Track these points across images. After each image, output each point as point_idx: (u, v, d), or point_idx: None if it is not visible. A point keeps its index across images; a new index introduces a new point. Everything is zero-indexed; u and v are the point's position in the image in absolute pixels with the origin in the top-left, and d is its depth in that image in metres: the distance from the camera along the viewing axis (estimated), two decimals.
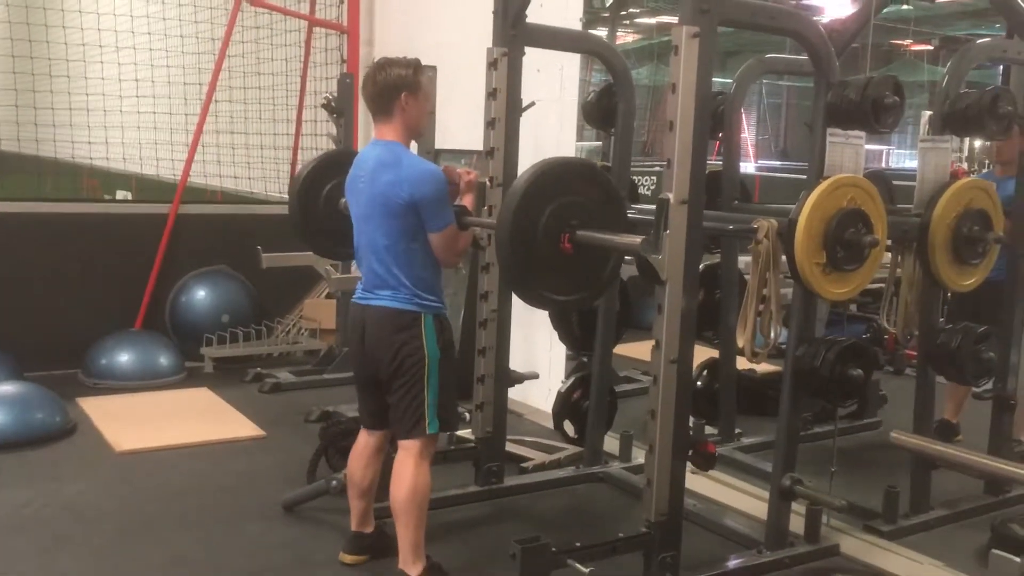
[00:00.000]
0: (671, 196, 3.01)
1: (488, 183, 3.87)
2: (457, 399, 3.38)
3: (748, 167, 23.96)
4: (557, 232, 3.04)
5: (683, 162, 3.01)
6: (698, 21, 2.96)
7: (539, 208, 3.02)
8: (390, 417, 3.25)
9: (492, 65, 3.85)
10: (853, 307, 7.31)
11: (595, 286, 3.32)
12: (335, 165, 4.36)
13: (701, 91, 3.00)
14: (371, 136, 7.17)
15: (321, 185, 4.30)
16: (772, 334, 3.39)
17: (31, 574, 3.32)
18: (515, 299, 4.02)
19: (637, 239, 2.99)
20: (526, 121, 4.04)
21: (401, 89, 3.16)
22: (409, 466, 3.15)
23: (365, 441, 3.38)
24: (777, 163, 24.61)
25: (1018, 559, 1.69)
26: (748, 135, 28.13)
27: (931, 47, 23.35)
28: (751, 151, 27.54)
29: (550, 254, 3.05)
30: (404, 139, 3.22)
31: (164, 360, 5.81)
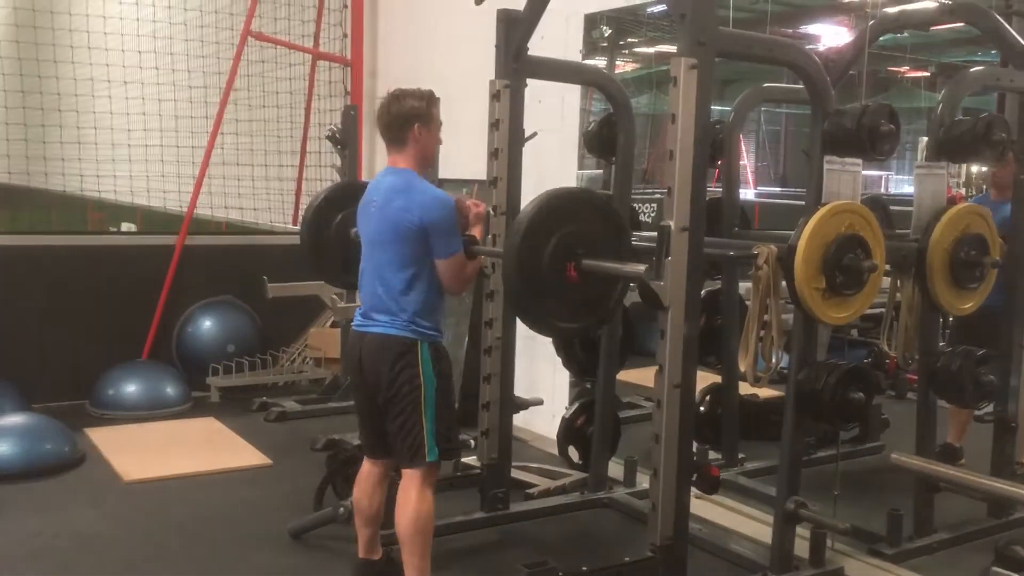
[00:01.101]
0: (672, 224, 3.07)
1: (492, 212, 3.93)
2: (458, 427, 3.41)
3: (748, 193, 24.02)
4: (563, 260, 3.12)
5: (683, 190, 3.07)
6: (696, 53, 3.03)
7: (545, 237, 3.10)
8: (391, 445, 3.28)
9: (495, 97, 3.93)
10: (854, 332, 7.34)
11: (600, 313, 3.38)
12: (345, 196, 4.48)
13: (700, 121, 3.06)
14: (375, 167, 7.28)
15: (332, 215, 4.40)
16: (773, 359, 3.44)
17: None
18: (519, 326, 4.08)
19: (641, 267, 3.05)
20: (528, 151, 4.11)
21: (415, 120, 3.24)
22: (412, 494, 3.18)
23: (369, 469, 3.41)
24: (776, 189, 24.72)
25: (1016, 575, 1.72)
26: (747, 162, 28.25)
27: (928, 74, 23.54)
28: (750, 178, 27.64)
29: (556, 282, 3.12)
30: (417, 168, 3.29)
31: (171, 390, 5.86)
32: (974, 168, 7.72)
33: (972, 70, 4.03)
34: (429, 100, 3.31)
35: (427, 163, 3.36)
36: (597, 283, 3.22)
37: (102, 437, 5.20)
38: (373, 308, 3.25)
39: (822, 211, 3.29)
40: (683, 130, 3.05)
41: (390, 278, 3.21)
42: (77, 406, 5.70)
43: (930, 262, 3.67)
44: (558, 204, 3.17)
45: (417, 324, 3.19)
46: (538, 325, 3.28)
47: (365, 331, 3.26)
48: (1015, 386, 4.13)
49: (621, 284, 3.32)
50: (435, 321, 3.27)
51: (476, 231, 3.42)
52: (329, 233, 4.44)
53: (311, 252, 4.50)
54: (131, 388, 5.75)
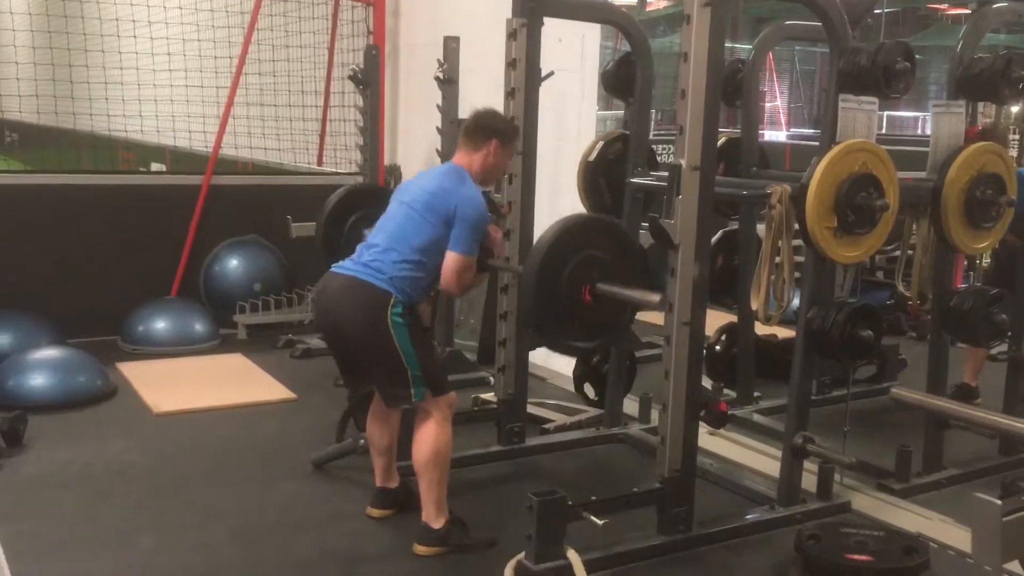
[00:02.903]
0: (683, 162, 3.10)
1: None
2: (439, 363, 3.49)
3: (780, 135, 23.72)
4: (579, 284, 3.27)
5: (695, 129, 3.09)
6: None
7: (562, 262, 3.25)
8: (377, 389, 3.40)
9: (511, 36, 3.93)
10: (880, 273, 7.33)
11: (612, 333, 3.55)
12: (360, 197, 4.66)
13: (713, 60, 3.07)
14: (398, 107, 7.25)
15: (346, 215, 4.57)
16: (785, 298, 3.48)
17: (75, 527, 3.50)
18: None
19: (655, 296, 3.18)
20: (548, 91, 4.11)
21: (498, 136, 3.42)
22: (430, 426, 3.27)
23: (379, 401, 3.50)
24: (809, 131, 24.39)
25: (999, 501, 1.78)
26: (781, 103, 27.84)
27: (968, 11, 22.98)
28: (783, 119, 27.24)
29: (571, 304, 3.28)
30: (475, 175, 3.39)
31: (199, 327, 5.98)
32: (1016, 108, 7.61)
33: (994, 6, 3.97)
34: (516, 131, 3.62)
35: (487, 180, 3.49)
36: (610, 305, 3.36)
37: (133, 371, 5.36)
38: (362, 259, 3.30)
39: (835, 150, 3.30)
40: (695, 69, 3.06)
41: (400, 244, 3.26)
42: (109, 342, 5.84)
43: (945, 201, 3.66)
44: (575, 230, 3.32)
45: (395, 284, 3.22)
46: (553, 345, 3.47)
47: (340, 271, 3.31)
48: None
49: (634, 306, 3.43)
50: (415, 296, 3.29)
51: (494, 251, 3.57)
52: (343, 231, 4.59)
53: (326, 249, 4.78)
54: (161, 325, 5.89)
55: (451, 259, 3.27)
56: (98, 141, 8.04)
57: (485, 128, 3.43)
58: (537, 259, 3.25)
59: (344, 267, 3.32)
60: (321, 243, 5.07)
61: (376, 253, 3.28)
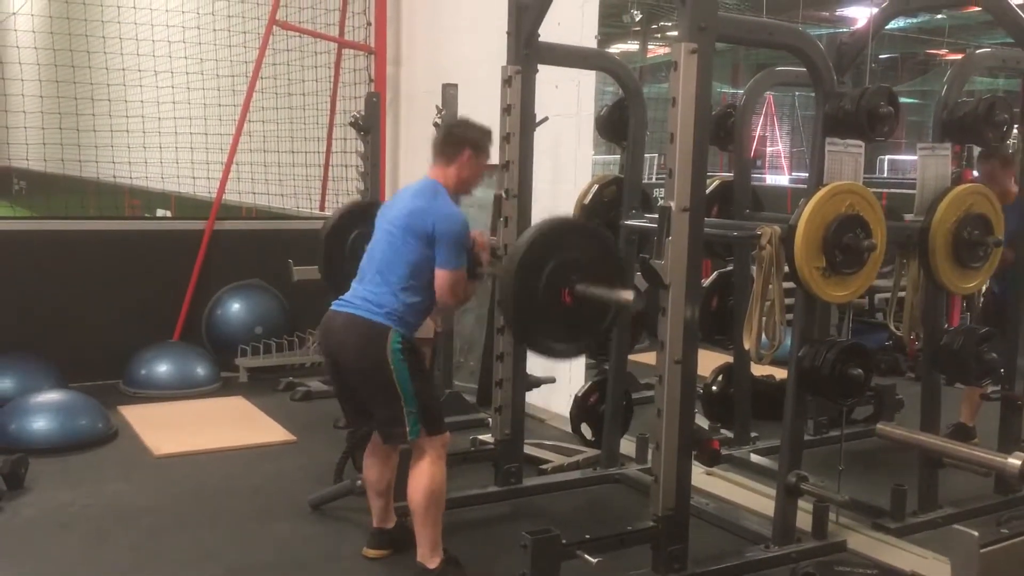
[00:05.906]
0: (673, 204, 3.16)
1: (504, 195, 4.05)
2: (438, 403, 3.52)
3: (783, 179, 23.89)
4: (558, 287, 3.28)
5: (684, 172, 3.16)
6: (696, 38, 3.11)
7: (540, 265, 3.26)
8: (375, 426, 3.42)
9: (506, 82, 4.03)
10: (879, 315, 7.36)
11: (595, 334, 3.56)
12: (360, 214, 4.73)
13: (700, 104, 3.15)
14: (398, 153, 7.36)
15: (346, 233, 4.62)
16: (776, 337, 3.52)
17: (75, 566, 3.53)
18: None
19: (630, 293, 3.22)
20: (545, 135, 4.19)
21: (468, 145, 3.43)
22: (424, 465, 3.30)
23: (377, 442, 3.53)
24: None
25: (976, 533, 1.81)
26: (782, 148, 28.08)
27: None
28: (785, 163, 27.46)
29: (551, 307, 3.29)
30: (451, 187, 3.42)
31: (201, 370, 6.04)
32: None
33: (978, 51, 4.06)
34: (488, 136, 3.55)
35: (464, 189, 3.50)
36: (591, 306, 3.36)
37: (134, 414, 5.40)
38: (358, 294, 3.35)
39: (822, 192, 3.36)
40: (683, 113, 3.13)
41: (388, 274, 3.31)
42: (111, 385, 5.90)
43: (933, 242, 3.72)
44: (552, 233, 3.33)
45: (394, 317, 3.28)
46: (535, 347, 3.48)
47: (339, 310, 3.37)
48: (1023, 365, 4.18)
49: (614, 307, 3.44)
50: (415, 323, 3.36)
51: (482, 258, 3.57)
52: (343, 251, 4.66)
53: (327, 270, 4.89)
54: (163, 368, 5.94)
55: (441, 277, 3.31)
56: (104, 188, 8.16)
57: (457, 139, 3.44)
58: (514, 264, 3.26)
59: (344, 303, 3.37)
60: (324, 265, 5.16)
61: (370, 286, 3.33)
